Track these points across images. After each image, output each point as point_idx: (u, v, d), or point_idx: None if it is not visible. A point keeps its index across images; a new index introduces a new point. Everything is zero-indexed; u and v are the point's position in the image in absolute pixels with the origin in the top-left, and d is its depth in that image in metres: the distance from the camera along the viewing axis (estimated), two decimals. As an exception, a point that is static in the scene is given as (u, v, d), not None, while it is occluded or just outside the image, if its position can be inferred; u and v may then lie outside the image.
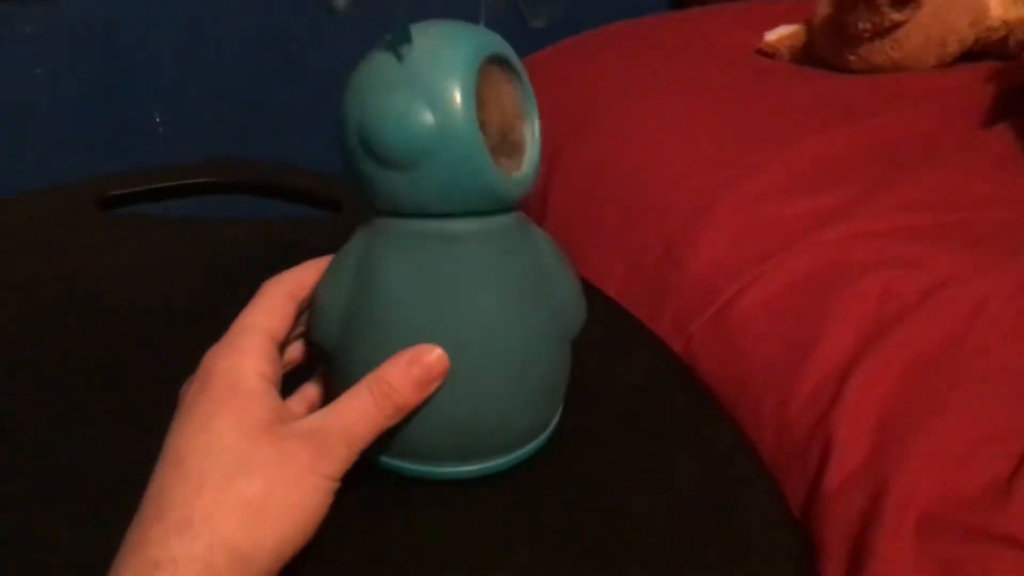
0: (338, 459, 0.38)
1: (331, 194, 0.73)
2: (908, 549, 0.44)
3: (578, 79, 0.91)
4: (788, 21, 1.01)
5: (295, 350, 0.47)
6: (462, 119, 0.38)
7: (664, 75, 0.90)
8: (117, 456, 0.45)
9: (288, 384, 0.45)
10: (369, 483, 0.44)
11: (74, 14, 1.07)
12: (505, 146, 0.41)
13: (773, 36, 0.97)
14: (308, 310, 0.45)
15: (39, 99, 1.07)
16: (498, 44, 0.40)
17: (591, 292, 0.63)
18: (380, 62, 0.39)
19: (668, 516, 0.46)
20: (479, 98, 0.38)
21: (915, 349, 0.52)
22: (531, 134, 0.42)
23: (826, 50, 0.93)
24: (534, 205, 0.78)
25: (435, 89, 0.38)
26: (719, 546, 0.45)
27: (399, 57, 0.38)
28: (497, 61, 0.40)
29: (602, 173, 0.75)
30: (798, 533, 0.48)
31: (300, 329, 0.46)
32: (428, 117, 0.38)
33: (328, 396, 0.45)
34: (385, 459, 0.45)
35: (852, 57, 0.90)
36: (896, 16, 0.86)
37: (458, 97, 0.38)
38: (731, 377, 0.57)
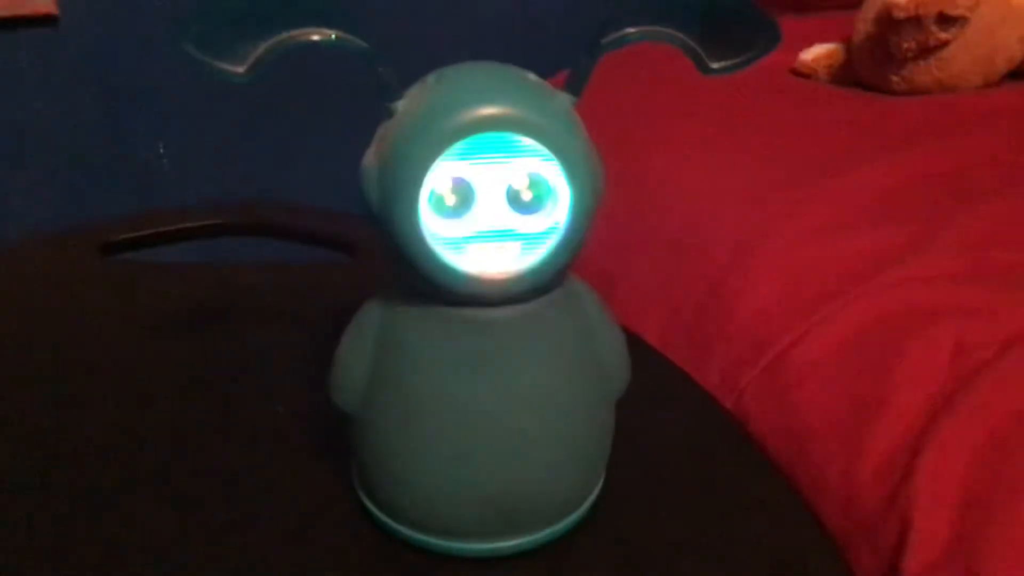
0: None
1: (345, 236, 0.69)
2: None
3: (605, 106, 0.86)
4: (820, 38, 0.96)
5: None
6: (403, 218, 0.34)
7: (695, 99, 0.85)
8: (139, 528, 0.42)
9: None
10: (394, 561, 0.41)
11: (74, 40, 1.03)
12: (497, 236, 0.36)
13: (809, 55, 0.93)
14: (329, 370, 0.42)
15: (39, 133, 1.04)
16: (508, 117, 0.33)
17: (630, 339, 0.59)
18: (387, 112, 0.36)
19: None
20: (459, 179, 0.34)
21: (997, 414, 0.47)
22: (557, 215, 0.36)
23: (867, 70, 0.89)
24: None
25: (386, 171, 0.34)
26: None
27: (389, 114, 0.35)
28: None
29: (637, 209, 0.71)
30: None
31: None
32: (375, 196, 0.35)
33: (351, 459, 0.44)
34: (412, 534, 0.41)
35: (895, 78, 0.86)
36: (943, 35, 0.81)
37: (400, 194, 0.34)
38: (788, 439, 0.53)
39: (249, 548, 0.42)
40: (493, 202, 0.35)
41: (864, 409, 0.50)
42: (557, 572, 0.42)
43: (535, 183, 0.35)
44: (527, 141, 0.34)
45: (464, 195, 0.34)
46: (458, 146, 0.33)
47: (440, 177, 0.34)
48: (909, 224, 0.61)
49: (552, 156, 0.34)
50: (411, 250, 0.35)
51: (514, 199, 0.35)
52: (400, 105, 0.35)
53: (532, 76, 0.36)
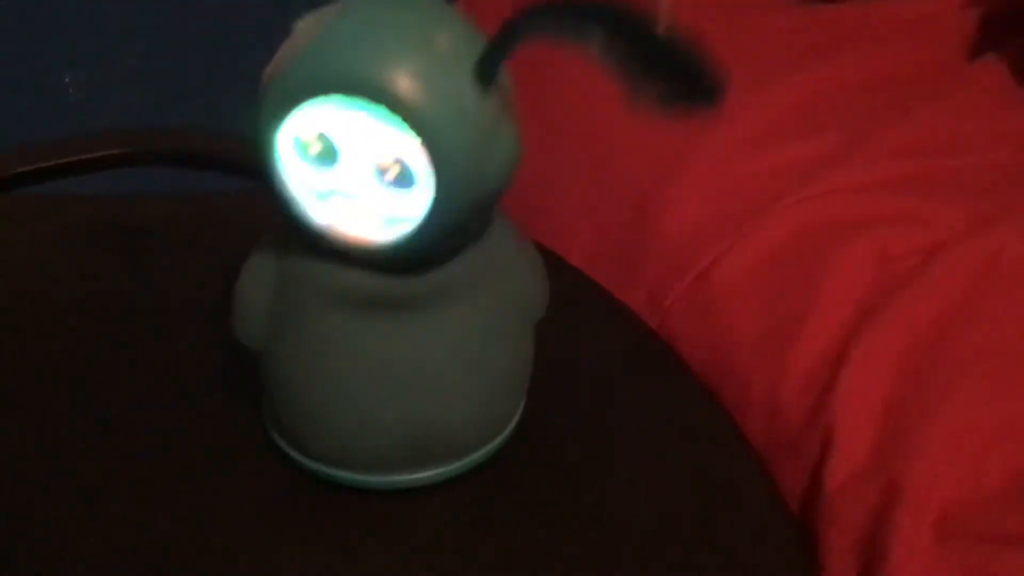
0: None
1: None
2: (927, 556, 0.40)
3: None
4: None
5: None
6: (265, 153, 0.32)
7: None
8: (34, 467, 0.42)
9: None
10: (308, 497, 0.40)
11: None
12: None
13: (736, -37, 0.90)
14: (232, 305, 0.40)
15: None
16: (369, 84, 0.30)
17: (554, 262, 0.58)
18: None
19: (649, 517, 0.42)
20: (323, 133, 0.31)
21: (920, 322, 0.47)
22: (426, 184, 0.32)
23: (795, -23, 0.86)
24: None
25: (262, 98, 0.31)
26: (709, 550, 0.41)
27: (291, 31, 0.32)
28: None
29: (561, 128, 0.68)
30: (798, 534, 0.44)
31: None
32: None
33: (261, 395, 0.43)
34: (325, 469, 0.40)
35: (822, -16, 0.83)
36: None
37: (263, 128, 0.31)
38: (714, 356, 0.52)
39: (156, 486, 0.41)
40: (358, 165, 0.31)
41: (787, 323, 0.50)
42: (478, 501, 0.42)
43: (403, 160, 0.31)
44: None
45: (328, 149, 0.31)
46: (318, 101, 0.30)
47: (303, 124, 0.31)
48: (835, 134, 0.60)
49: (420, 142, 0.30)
50: (274, 188, 0.33)
51: (382, 170, 0.31)
52: (299, 26, 0.32)
53: (453, 31, 0.31)
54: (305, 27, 0.31)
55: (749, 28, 0.74)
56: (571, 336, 0.51)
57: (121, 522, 0.39)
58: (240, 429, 0.44)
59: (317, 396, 0.38)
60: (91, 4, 1.04)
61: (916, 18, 0.76)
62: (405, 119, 0.30)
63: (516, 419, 0.43)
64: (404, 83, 0.29)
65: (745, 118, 0.62)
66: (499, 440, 0.42)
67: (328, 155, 0.31)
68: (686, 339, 0.54)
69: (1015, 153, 0.57)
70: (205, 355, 0.48)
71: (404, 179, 0.31)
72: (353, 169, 0.31)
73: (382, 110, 0.30)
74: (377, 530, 0.40)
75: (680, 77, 0.26)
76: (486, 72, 0.30)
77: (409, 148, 0.30)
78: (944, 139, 0.59)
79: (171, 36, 1.11)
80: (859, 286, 0.49)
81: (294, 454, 0.41)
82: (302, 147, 0.31)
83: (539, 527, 0.41)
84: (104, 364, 0.48)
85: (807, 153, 0.58)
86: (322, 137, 0.31)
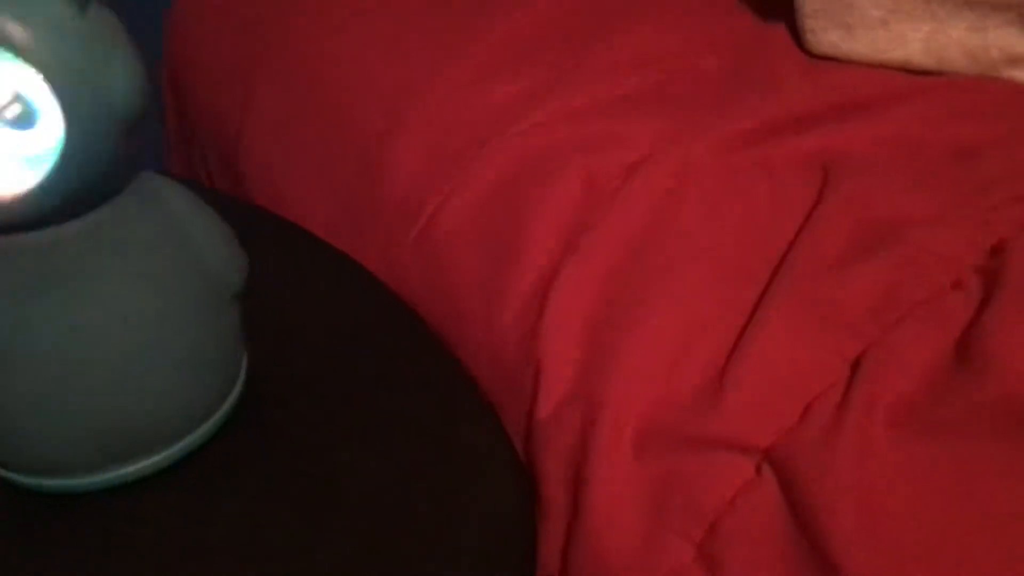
0: None
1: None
2: (625, 469, 0.41)
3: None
4: None
5: None
6: None
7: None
8: None
9: None
10: (16, 513, 0.39)
11: None
12: None
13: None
14: None
15: None
16: None
17: (288, 231, 0.57)
18: None
19: (382, 470, 0.42)
20: None
21: (618, 241, 0.47)
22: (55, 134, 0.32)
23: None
24: (229, 140, 0.68)
25: None
26: (438, 498, 0.42)
27: None
28: None
29: (299, 92, 0.66)
30: (520, 471, 0.45)
31: None
32: None
33: None
34: (25, 479, 0.39)
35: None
36: None
37: None
38: (442, 303, 0.52)
39: None
40: None
41: (502, 261, 0.50)
42: (202, 487, 0.41)
43: (23, 97, 0.31)
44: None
45: None
46: None
47: None
48: (549, 64, 0.59)
49: (35, 71, 0.30)
50: None
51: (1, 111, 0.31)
52: None
53: None
54: None
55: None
56: (302, 303, 0.51)
57: None
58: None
59: None
60: None
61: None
62: (8, 49, 0.29)
63: (235, 395, 0.42)
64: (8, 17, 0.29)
65: (467, 57, 0.61)
66: (215, 420, 0.41)
67: None
68: (417, 289, 0.53)
69: (720, 61, 0.58)
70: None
71: (26, 119, 0.31)
72: None
73: None
74: (94, 536, 0.39)
75: None
76: None
77: (25, 80, 0.30)
78: (653, 55, 0.59)
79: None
80: (567, 213, 0.49)
81: None
82: None
83: (268, 505, 0.40)
84: None
85: (523, 86, 0.58)
86: None
